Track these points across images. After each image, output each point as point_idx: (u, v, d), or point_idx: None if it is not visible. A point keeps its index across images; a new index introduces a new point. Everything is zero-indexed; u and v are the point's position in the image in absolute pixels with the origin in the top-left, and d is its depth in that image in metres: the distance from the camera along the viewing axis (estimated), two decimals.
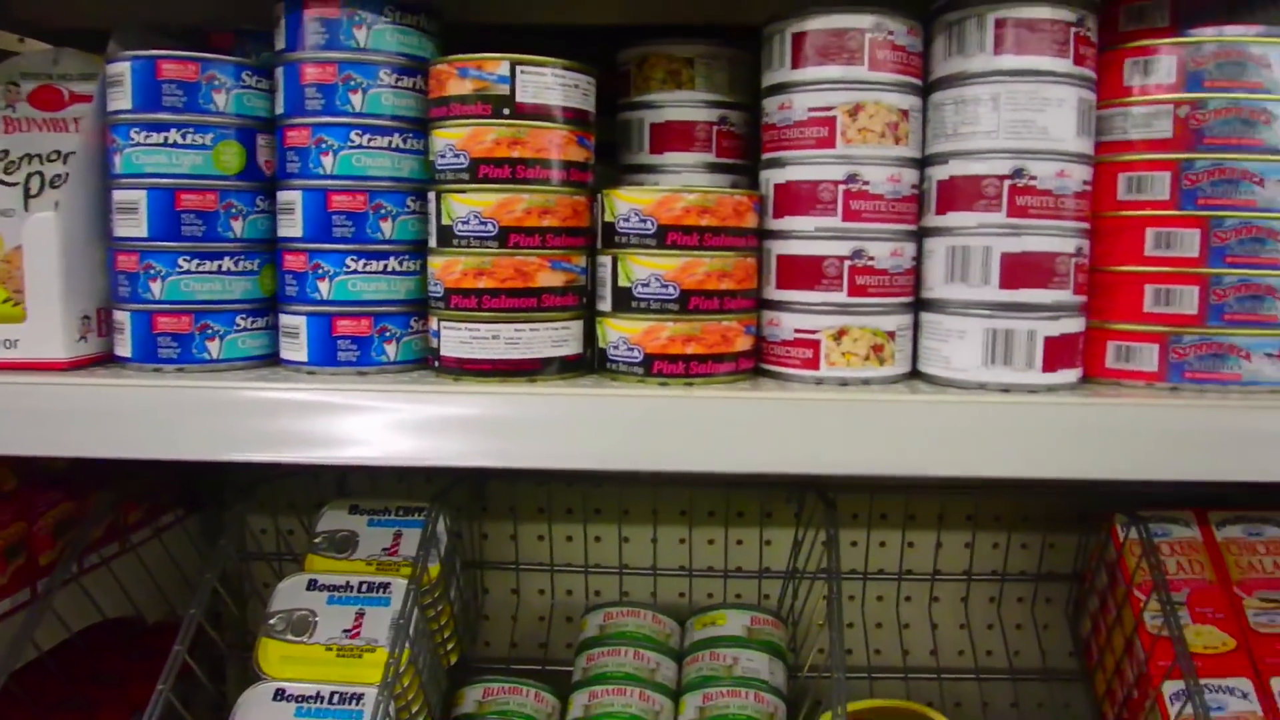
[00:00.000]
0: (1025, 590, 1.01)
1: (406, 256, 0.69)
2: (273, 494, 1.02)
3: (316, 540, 0.85)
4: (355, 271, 0.67)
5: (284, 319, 0.69)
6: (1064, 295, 0.64)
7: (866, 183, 0.65)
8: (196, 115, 0.67)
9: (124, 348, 0.68)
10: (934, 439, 0.60)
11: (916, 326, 0.68)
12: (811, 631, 0.99)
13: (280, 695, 0.73)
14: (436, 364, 0.67)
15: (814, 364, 0.66)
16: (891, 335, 0.66)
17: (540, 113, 0.65)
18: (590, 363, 0.69)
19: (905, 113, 0.66)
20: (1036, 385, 0.64)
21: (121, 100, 0.67)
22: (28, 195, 0.75)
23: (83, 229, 0.68)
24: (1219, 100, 0.63)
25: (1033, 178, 0.63)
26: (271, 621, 0.77)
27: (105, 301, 0.70)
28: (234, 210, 0.69)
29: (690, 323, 0.64)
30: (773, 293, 0.68)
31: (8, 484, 0.80)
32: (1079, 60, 0.63)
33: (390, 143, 0.67)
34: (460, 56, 0.65)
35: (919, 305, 0.68)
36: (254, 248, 0.70)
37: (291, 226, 0.68)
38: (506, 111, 0.64)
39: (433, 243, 0.67)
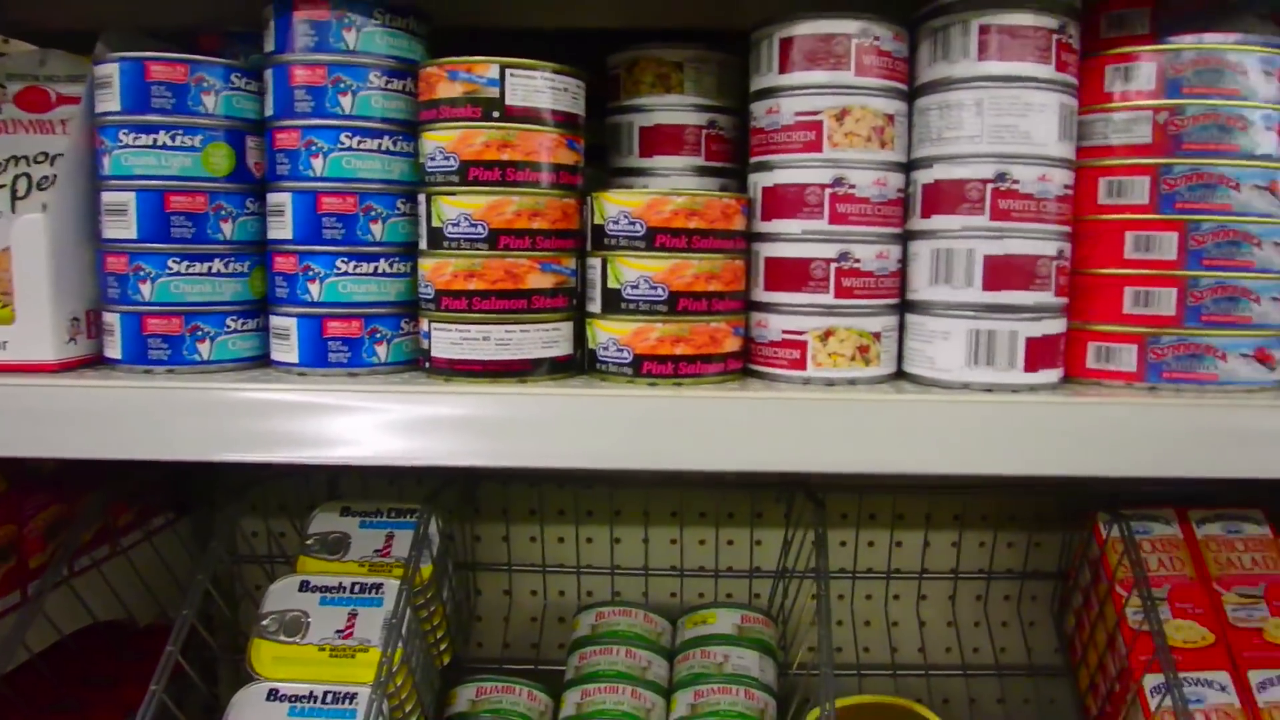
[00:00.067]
0: (1011, 588, 1.02)
1: (397, 258, 0.69)
2: (264, 497, 1.02)
3: (308, 542, 0.85)
4: (346, 273, 0.68)
5: (275, 320, 0.69)
6: (1046, 297, 0.65)
7: (853, 186, 0.66)
8: (185, 117, 0.67)
9: (114, 349, 0.68)
10: (919, 438, 0.61)
11: (902, 328, 0.69)
12: (801, 630, 1.00)
13: (273, 695, 0.73)
14: (427, 365, 0.67)
15: (801, 364, 0.67)
16: (877, 336, 0.67)
17: (530, 116, 0.65)
18: (580, 364, 0.70)
19: (891, 117, 0.67)
20: (1019, 385, 0.65)
21: (110, 102, 0.67)
22: (15, 197, 0.75)
23: (71, 231, 0.68)
24: (1197, 106, 0.64)
25: (1015, 181, 0.64)
26: (264, 622, 0.77)
27: (94, 303, 0.70)
28: (224, 212, 0.69)
29: (679, 324, 0.65)
30: (760, 294, 0.69)
31: None
32: (1061, 66, 0.64)
33: (380, 145, 0.68)
34: (450, 59, 0.65)
35: (904, 307, 0.69)
36: (244, 249, 0.70)
37: (281, 228, 0.68)
38: (496, 114, 0.64)
39: (423, 245, 0.67)
